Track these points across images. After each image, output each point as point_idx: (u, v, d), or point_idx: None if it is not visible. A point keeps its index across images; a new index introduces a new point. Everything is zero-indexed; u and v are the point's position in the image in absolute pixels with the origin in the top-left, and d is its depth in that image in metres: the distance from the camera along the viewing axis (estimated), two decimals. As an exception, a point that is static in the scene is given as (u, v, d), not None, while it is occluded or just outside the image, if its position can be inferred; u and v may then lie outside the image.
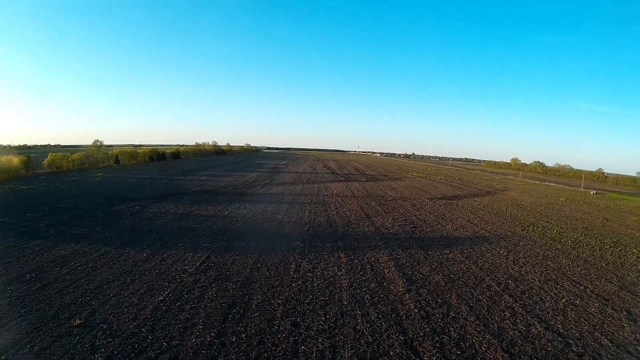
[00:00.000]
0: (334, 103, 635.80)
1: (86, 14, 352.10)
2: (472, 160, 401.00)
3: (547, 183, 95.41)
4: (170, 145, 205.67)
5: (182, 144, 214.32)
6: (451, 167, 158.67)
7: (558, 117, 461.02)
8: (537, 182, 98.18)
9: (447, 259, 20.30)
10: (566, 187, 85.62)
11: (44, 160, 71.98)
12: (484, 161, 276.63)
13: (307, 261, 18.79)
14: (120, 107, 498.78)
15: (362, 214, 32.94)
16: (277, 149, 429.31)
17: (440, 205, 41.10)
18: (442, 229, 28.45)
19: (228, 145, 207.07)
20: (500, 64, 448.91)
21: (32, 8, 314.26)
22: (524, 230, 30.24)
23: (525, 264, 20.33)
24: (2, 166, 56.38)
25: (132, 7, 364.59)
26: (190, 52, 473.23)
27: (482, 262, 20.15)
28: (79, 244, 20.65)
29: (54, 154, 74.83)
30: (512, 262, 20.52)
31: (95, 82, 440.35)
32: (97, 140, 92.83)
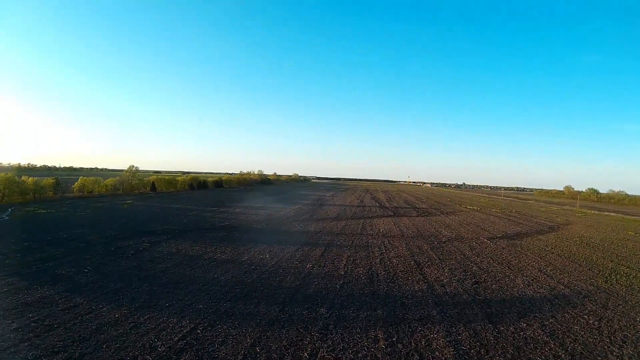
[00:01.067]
0: (385, 133, 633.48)
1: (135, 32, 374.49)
2: (523, 189, 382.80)
3: (607, 213, 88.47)
4: (219, 174, 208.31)
5: (233, 172, 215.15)
6: (504, 198, 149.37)
7: (606, 141, 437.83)
8: (596, 211, 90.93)
9: (526, 339, 14.88)
10: (628, 217, 78.58)
11: (74, 183, 72.74)
12: (536, 190, 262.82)
13: (328, 345, 13.53)
14: (173, 134, 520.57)
15: (412, 262, 28.00)
16: (326, 179, 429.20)
17: (502, 248, 35.42)
18: (511, 284, 22.94)
19: (275, 174, 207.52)
20: (544, 91, 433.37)
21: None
22: (606, 282, 24.69)
23: (625, 343, 14.87)
24: (20, 187, 56.68)
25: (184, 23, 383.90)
26: (244, 79, 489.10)
27: (571, 342, 14.69)
28: (53, 288, 18.19)
29: (85, 178, 75.96)
30: (608, 340, 15.04)
31: (146, 105, 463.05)
32: (132, 166, 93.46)
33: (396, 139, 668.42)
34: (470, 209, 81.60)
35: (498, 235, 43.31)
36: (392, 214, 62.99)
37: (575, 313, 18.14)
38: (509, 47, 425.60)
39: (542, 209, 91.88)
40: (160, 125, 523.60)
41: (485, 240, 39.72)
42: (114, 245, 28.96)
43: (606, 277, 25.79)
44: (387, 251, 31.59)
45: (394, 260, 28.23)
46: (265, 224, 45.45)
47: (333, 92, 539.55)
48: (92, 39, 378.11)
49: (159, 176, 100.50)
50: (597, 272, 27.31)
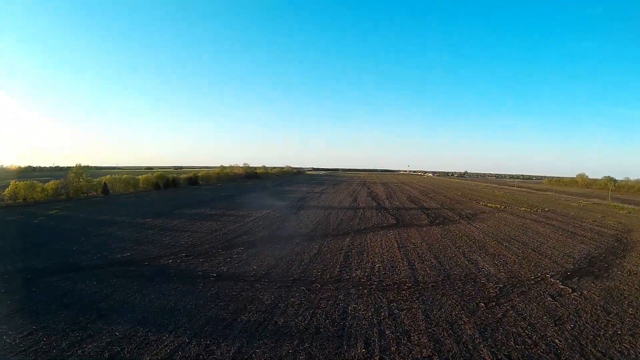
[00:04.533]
0: (383, 121, 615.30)
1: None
2: (529, 177, 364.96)
3: None
4: (208, 168, 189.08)
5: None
6: (519, 189, 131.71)
7: (612, 127, 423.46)
8: (634, 206, 74.17)
9: None
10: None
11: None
12: (545, 178, 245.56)
13: None
14: (168, 129, 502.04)
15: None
16: (323, 169, 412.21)
17: (599, 306, 18.37)
18: None
19: (263, 167, 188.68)
20: (542, 75, 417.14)
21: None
22: None
23: None
24: None
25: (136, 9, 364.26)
26: (245, 69, 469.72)
27: None
28: None
29: (17, 182, 62.61)
30: None
31: (135, 101, 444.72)
32: (80, 165, 76.59)
33: (395, 127, 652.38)
34: (492, 207, 63.78)
35: (568, 267, 26.24)
36: (394, 221, 44.99)
37: None
38: (509, 30, 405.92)
39: (573, 204, 74.44)
40: (153, 121, 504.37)
41: (558, 283, 22.42)
42: None
43: None
44: (386, 339, 14.24)
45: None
46: (186, 252, 28.13)
47: (329, 82, 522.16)
48: (65, 28, 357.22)
49: (112, 176, 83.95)
50: None
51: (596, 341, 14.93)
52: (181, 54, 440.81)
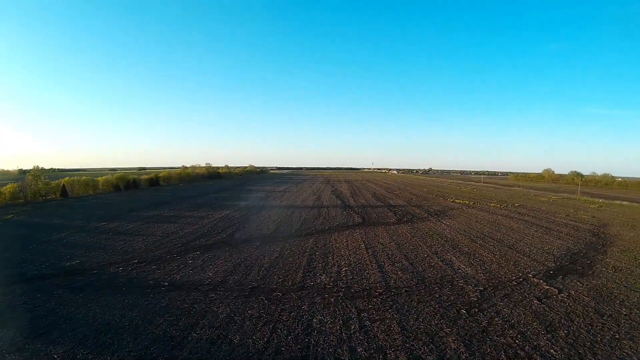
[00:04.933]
0: (346, 119, 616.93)
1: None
2: (495, 174, 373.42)
3: (620, 202, 72.42)
4: (172, 169, 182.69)
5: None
6: (486, 185, 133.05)
7: (568, 123, 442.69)
8: (603, 200, 75.99)
9: None
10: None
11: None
12: (511, 174, 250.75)
13: None
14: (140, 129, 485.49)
15: None
16: (287, 168, 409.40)
17: (590, 307, 16.44)
18: None
19: (226, 167, 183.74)
20: (505, 71, 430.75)
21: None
22: None
23: None
24: None
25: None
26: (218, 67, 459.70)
27: None
28: None
29: None
30: None
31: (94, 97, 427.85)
32: (37, 167, 71.65)
33: (358, 125, 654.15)
34: (461, 203, 62.91)
35: (549, 265, 24.86)
36: (360, 220, 42.90)
37: None
38: (466, 25, 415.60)
39: (542, 199, 74.97)
40: (117, 122, 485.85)
41: (542, 283, 20.84)
42: None
43: None
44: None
45: None
46: (139, 258, 25.04)
47: (292, 80, 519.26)
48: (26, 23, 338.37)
49: (72, 178, 79.17)
50: None
51: (595, 349, 13.17)
52: (148, 52, 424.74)
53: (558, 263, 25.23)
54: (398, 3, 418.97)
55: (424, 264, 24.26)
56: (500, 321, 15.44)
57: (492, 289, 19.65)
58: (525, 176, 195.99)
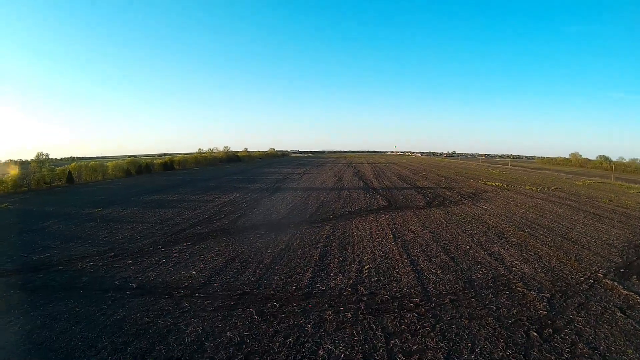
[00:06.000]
0: (370, 102, 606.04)
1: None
2: (519, 157, 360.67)
3: None
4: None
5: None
6: (514, 168, 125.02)
7: (592, 108, 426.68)
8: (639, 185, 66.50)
9: None
10: None
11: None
12: (537, 157, 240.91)
13: None
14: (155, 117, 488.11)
15: None
16: (309, 152, 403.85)
17: None
18: None
19: (245, 150, 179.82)
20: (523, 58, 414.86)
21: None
22: None
23: None
24: None
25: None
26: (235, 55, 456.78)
27: None
28: None
29: None
30: None
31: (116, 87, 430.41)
32: (40, 153, 69.45)
33: (381, 108, 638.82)
34: (494, 186, 56.68)
35: (615, 260, 19.55)
36: (385, 203, 37.59)
37: None
38: (496, 11, 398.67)
39: (577, 183, 67.45)
40: (138, 111, 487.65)
41: (619, 287, 15.53)
42: None
43: None
44: None
45: None
46: (117, 250, 20.54)
47: (315, 65, 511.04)
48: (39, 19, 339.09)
49: (78, 164, 76.86)
50: None
51: None
52: (163, 43, 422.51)
53: (625, 258, 19.64)
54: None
55: (468, 259, 19.00)
56: (586, 349, 10.32)
57: (561, 296, 14.40)
58: (552, 160, 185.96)
